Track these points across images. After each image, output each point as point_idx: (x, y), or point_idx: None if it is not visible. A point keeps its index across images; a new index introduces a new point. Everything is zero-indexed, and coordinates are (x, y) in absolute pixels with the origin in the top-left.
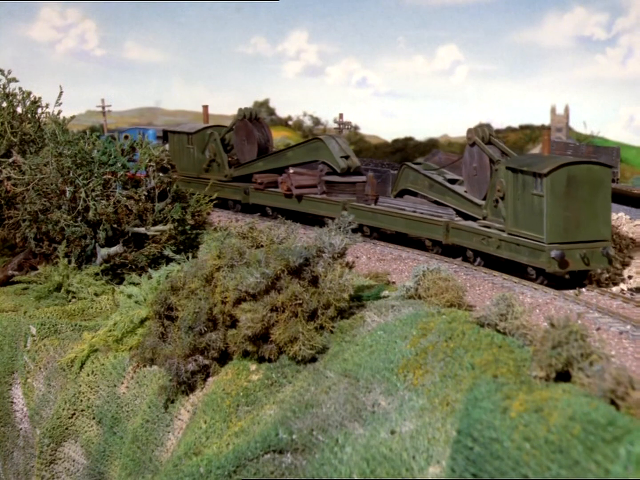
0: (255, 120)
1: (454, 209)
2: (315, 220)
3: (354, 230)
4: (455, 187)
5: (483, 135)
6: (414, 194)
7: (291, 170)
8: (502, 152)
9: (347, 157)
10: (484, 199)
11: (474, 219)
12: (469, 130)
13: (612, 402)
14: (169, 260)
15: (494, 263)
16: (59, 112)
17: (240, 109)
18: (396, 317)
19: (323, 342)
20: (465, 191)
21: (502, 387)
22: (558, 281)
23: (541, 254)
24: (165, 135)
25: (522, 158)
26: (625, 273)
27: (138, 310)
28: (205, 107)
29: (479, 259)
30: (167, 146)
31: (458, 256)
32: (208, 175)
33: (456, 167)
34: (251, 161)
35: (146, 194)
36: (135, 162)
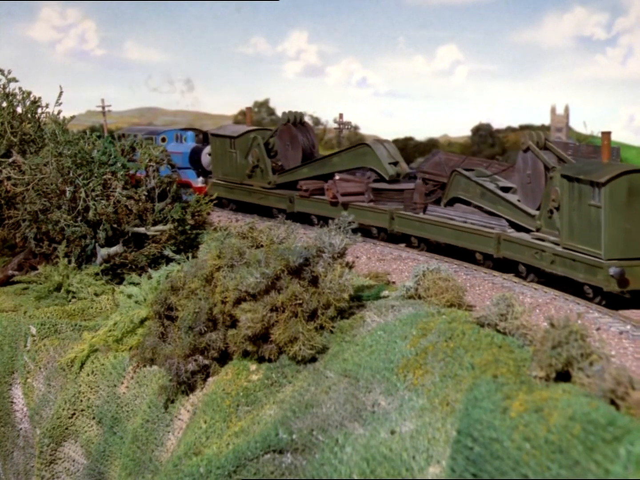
0: (300, 124)
1: (507, 220)
2: (361, 230)
3: (354, 231)
4: (508, 196)
5: (538, 140)
6: (467, 203)
7: (337, 177)
8: (558, 158)
9: (395, 164)
10: (538, 209)
11: (528, 231)
12: (523, 135)
13: (612, 402)
14: (169, 260)
15: (548, 279)
16: (59, 112)
17: (284, 113)
18: (396, 317)
19: (323, 342)
20: (519, 200)
21: (502, 387)
22: (617, 301)
23: (599, 271)
24: (205, 137)
25: (580, 165)
26: None
27: (138, 310)
28: (249, 109)
29: (532, 275)
30: (209, 148)
31: (511, 271)
32: (251, 181)
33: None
34: (295, 167)
35: (146, 194)
36: (135, 162)
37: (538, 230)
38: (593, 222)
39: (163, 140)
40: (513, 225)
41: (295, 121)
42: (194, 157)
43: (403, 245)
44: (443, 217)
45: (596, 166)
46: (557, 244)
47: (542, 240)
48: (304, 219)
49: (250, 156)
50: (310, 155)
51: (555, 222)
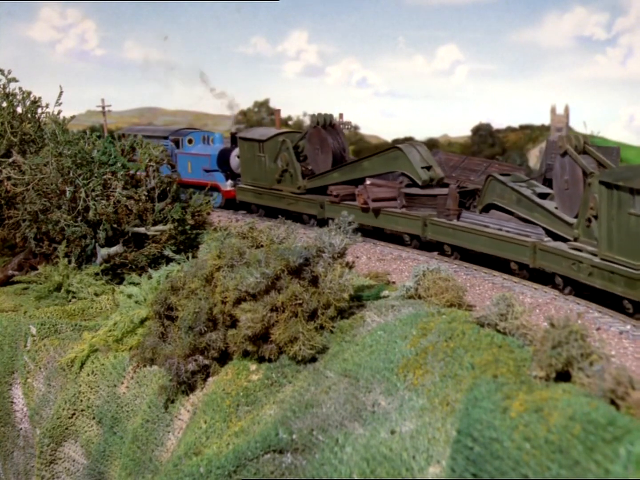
0: (330, 126)
1: (544, 228)
2: (393, 237)
3: (355, 231)
4: (545, 203)
5: (576, 144)
6: (503, 210)
7: (368, 182)
8: (598, 163)
9: (428, 168)
10: (576, 217)
11: (565, 240)
12: (560, 138)
13: (612, 402)
14: (169, 260)
15: (587, 292)
16: (59, 112)
17: (313, 116)
18: (396, 317)
19: (323, 342)
20: (556, 207)
21: (502, 387)
22: None
23: (639, 284)
24: (233, 140)
25: (620, 170)
26: None
27: (138, 310)
28: (278, 112)
29: (569, 288)
30: (237, 151)
31: (548, 283)
32: (280, 186)
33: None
34: (326, 172)
35: (146, 194)
36: (136, 162)
37: (575, 239)
38: (632, 232)
39: (190, 141)
40: (550, 234)
41: (325, 124)
42: (222, 159)
43: (436, 253)
44: (477, 224)
45: (637, 172)
46: (595, 255)
47: (580, 250)
48: None
49: (279, 160)
50: (341, 158)
51: (594, 231)
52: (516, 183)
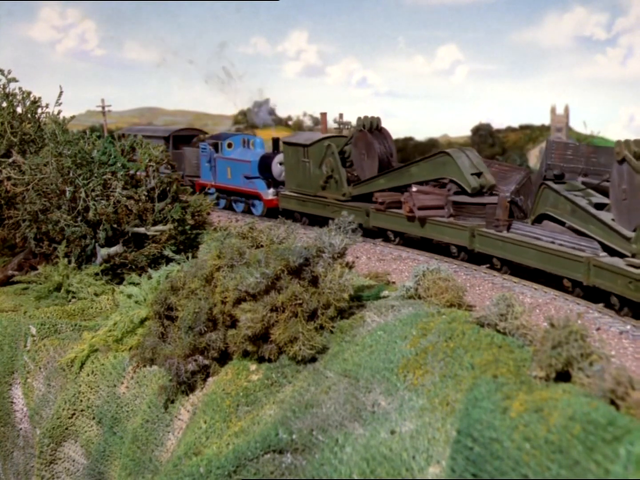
0: (377, 130)
1: (599, 242)
2: (440, 249)
3: (354, 230)
4: (601, 214)
5: (635, 150)
6: (560, 222)
7: (414, 189)
8: None
9: (479, 174)
10: (635, 230)
11: (623, 256)
12: (618, 143)
13: (612, 402)
14: (169, 260)
15: None
16: (59, 112)
17: (359, 118)
18: (396, 317)
19: (323, 342)
20: (613, 219)
21: (502, 387)
22: None
23: None
24: (275, 145)
25: None
26: None
27: (138, 310)
28: (324, 115)
29: (625, 309)
30: (280, 157)
31: (602, 301)
32: (325, 193)
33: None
34: (371, 178)
35: (146, 194)
36: (136, 162)
37: (634, 255)
38: None
39: (229, 146)
40: (607, 248)
41: (372, 127)
42: (264, 165)
43: (485, 266)
44: (528, 236)
45: None
46: None
47: (637, 267)
48: (382, 234)
49: (324, 166)
50: (388, 164)
51: None
52: (571, 192)
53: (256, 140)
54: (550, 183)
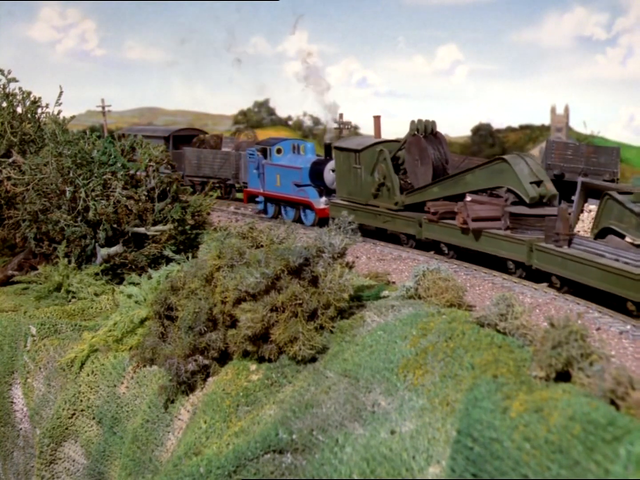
0: (432, 135)
1: None
2: (497, 263)
3: (354, 230)
4: None
5: None
6: (622, 236)
7: (468, 198)
8: None
9: (539, 183)
10: None
11: None
12: None
13: (612, 402)
14: (169, 260)
15: None
16: (59, 112)
17: (412, 122)
18: (396, 317)
19: (323, 342)
20: None
21: (502, 387)
22: None
23: None
24: (327, 151)
25: None
26: None
27: (138, 310)
28: (377, 118)
29: None
30: (333, 163)
31: None
32: (376, 201)
33: None
34: (425, 186)
35: (146, 194)
36: (136, 162)
37: None
38: None
39: (278, 151)
40: None
41: (426, 131)
42: (315, 172)
43: (545, 284)
44: (590, 252)
45: None
46: None
47: None
48: (435, 247)
49: (377, 172)
50: (443, 171)
51: None
52: (637, 204)
53: (307, 145)
54: (614, 194)
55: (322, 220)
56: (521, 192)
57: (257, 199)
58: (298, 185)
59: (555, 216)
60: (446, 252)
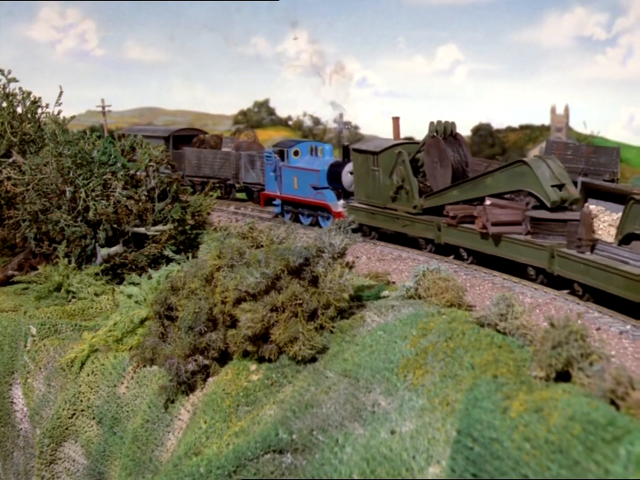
0: (451, 137)
1: None
2: (517, 268)
3: (355, 230)
4: None
5: None
6: None
7: (488, 202)
8: None
9: (560, 187)
10: None
11: None
12: None
13: (612, 402)
14: (169, 260)
15: None
16: (59, 112)
17: (431, 123)
18: (396, 317)
19: (323, 342)
20: None
21: (502, 387)
22: None
23: None
24: (345, 153)
25: None
26: None
27: (138, 310)
28: (396, 119)
29: None
30: (351, 166)
31: None
32: (395, 205)
33: None
34: (444, 189)
35: (146, 194)
36: (136, 162)
37: None
38: None
39: (295, 153)
40: None
41: (445, 133)
42: (333, 175)
43: (566, 291)
44: (614, 259)
45: None
46: None
47: None
48: (454, 251)
49: (395, 175)
50: (463, 174)
51: None
52: None
53: (325, 147)
54: (638, 197)
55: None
56: (542, 195)
57: (274, 202)
58: (316, 188)
59: (577, 221)
60: (465, 257)
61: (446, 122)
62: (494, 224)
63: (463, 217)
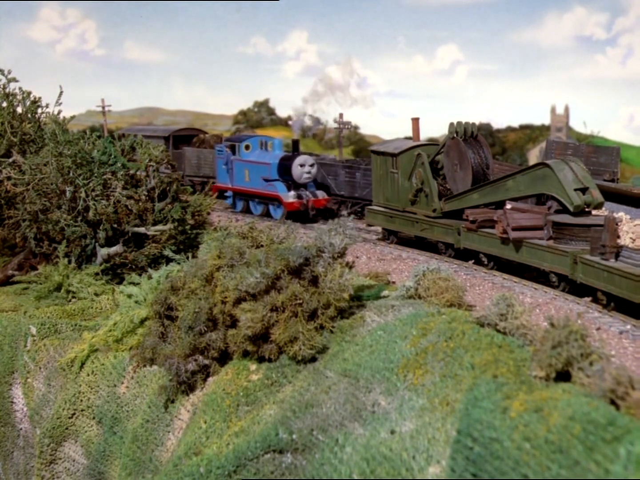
0: (472, 138)
1: None
2: (538, 274)
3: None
4: None
5: None
6: None
7: (508, 206)
8: None
9: (584, 190)
10: None
11: None
12: None
13: (612, 402)
14: (169, 260)
15: None
16: (59, 112)
17: (451, 124)
18: (396, 317)
19: (323, 342)
20: None
21: (502, 387)
22: None
23: None
24: (295, 145)
25: None
26: None
27: (138, 310)
28: (416, 120)
29: None
30: (302, 159)
31: None
32: (414, 208)
33: None
34: (464, 192)
35: (146, 193)
36: (136, 161)
37: None
38: None
39: (247, 148)
40: None
41: (466, 135)
42: (284, 167)
43: (589, 299)
44: (639, 266)
45: None
46: None
47: None
48: (474, 256)
49: (414, 177)
50: (484, 176)
51: None
52: None
53: (274, 141)
54: None
55: (291, 214)
56: (565, 199)
57: (225, 194)
58: (267, 180)
59: (601, 226)
60: (485, 263)
61: (466, 123)
62: (515, 229)
63: (483, 221)
